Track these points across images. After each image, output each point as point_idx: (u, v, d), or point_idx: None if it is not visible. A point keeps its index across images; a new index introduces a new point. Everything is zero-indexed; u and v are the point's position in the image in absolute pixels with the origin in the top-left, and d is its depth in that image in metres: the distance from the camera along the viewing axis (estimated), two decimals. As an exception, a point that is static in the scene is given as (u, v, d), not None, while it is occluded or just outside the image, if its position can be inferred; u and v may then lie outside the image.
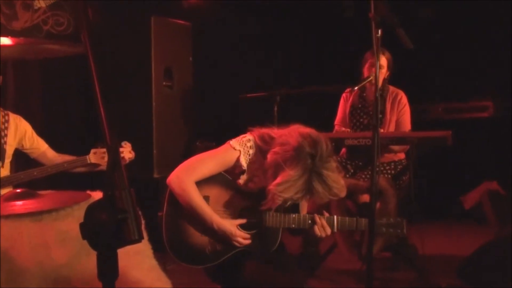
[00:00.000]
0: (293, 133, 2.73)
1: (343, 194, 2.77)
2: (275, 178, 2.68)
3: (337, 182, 2.70)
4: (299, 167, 2.63)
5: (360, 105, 4.80)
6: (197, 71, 5.58)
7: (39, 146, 4.05)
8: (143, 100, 5.03)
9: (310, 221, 2.89)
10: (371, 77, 4.42)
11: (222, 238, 2.81)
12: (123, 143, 4.02)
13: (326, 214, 2.93)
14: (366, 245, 4.01)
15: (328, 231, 2.90)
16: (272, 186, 2.66)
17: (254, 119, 3.05)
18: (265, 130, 2.89)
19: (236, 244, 2.82)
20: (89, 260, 2.02)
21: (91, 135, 4.23)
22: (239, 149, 2.85)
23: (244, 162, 2.85)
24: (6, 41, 3.95)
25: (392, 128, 4.66)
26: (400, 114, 4.69)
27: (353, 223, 2.95)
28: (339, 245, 4.55)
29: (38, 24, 4.01)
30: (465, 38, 6.45)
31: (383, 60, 4.58)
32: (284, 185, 2.63)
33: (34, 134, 4.05)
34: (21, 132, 3.99)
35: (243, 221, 2.85)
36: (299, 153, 2.64)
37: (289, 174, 2.63)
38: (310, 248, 4.63)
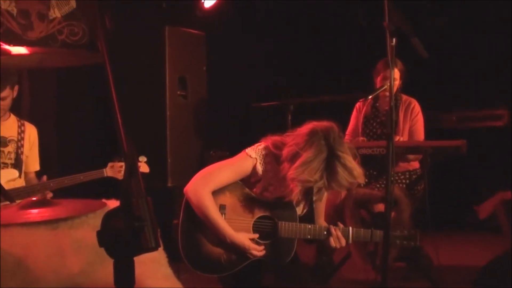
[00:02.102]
0: (303, 128, 2.80)
1: (361, 179, 2.77)
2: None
3: (354, 164, 2.72)
4: (313, 147, 2.67)
5: (373, 115, 4.76)
6: (211, 80, 5.59)
7: (32, 165, 4.07)
8: (158, 109, 5.05)
9: (325, 232, 2.88)
10: (385, 87, 4.39)
11: (236, 250, 2.81)
12: (139, 157, 4.02)
13: (341, 226, 2.92)
14: (380, 255, 3.98)
15: (343, 242, 2.90)
16: (291, 171, 2.67)
17: (268, 128, 3.05)
18: (277, 138, 2.90)
19: (251, 256, 2.82)
20: (104, 269, 2.03)
21: (105, 145, 4.24)
22: (255, 157, 2.86)
23: (260, 170, 2.86)
24: (22, 50, 3.98)
25: (405, 137, 4.62)
26: (413, 122, 4.65)
27: (368, 235, 2.95)
28: (353, 255, 4.52)
29: (53, 34, 4.02)
30: (479, 46, 6.41)
31: (396, 73, 4.51)
32: (302, 167, 2.65)
33: (37, 152, 4.08)
34: (31, 144, 4.02)
35: (256, 235, 2.85)
36: (312, 135, 2.71)
37: (306, 155, 2.66)
38: (324, 258, 4.60)
